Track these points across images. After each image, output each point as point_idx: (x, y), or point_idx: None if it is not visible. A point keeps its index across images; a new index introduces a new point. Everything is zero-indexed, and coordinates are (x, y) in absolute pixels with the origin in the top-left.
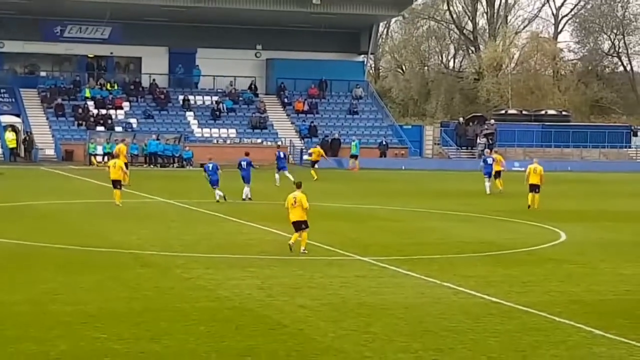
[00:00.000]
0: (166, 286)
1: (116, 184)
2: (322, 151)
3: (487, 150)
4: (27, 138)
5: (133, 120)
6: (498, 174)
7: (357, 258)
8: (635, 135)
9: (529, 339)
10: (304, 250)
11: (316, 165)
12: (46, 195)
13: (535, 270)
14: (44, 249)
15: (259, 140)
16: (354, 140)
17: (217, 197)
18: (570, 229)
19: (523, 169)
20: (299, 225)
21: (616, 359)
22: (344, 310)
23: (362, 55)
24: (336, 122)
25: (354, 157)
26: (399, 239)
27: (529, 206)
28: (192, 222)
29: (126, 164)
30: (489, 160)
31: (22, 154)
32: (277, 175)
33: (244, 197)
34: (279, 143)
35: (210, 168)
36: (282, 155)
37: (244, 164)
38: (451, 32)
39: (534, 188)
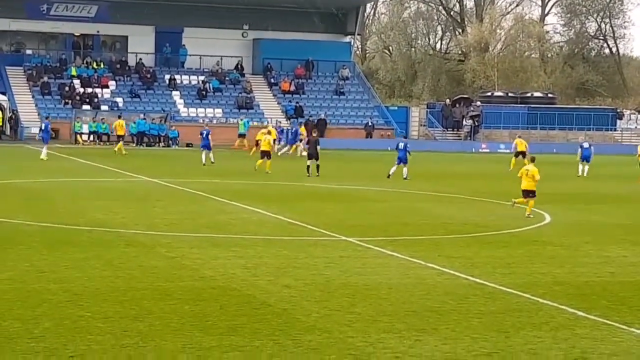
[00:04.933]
0: (150, 265)
1: (265, 154)
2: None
3: (581, 137)
4: (13, 116)
5: (119, 100)
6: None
7: (341, 238)
8: (621, 118)
9: (512, 319)
10: (529, 215)
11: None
12: (31, 174)
13: (519, 251)
14: (28, 227)
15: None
16: (242, 120)
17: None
18: (555, 211)
19: (508, 150)
20: (527, 194)
21: (598, 341)
22: (328, 291)
23: (349, 36)
24: (322, 102)
25: (242, 136)
26: (383, 220)
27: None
28: (177, 201)
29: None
30: (585, 145)
31: (8, 132)
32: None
33: (404, 176)
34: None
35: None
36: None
37: (401, 145)
38: (439, 13)
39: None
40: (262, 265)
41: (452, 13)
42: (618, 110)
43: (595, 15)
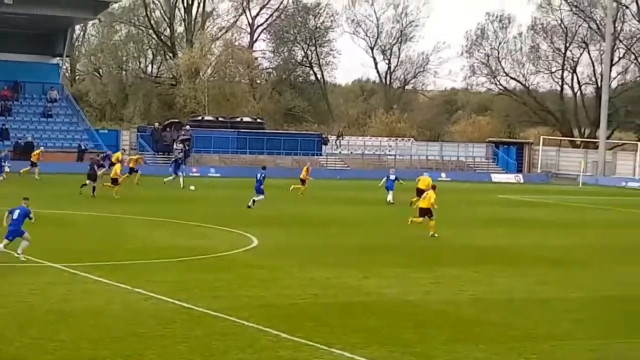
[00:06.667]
0: None
1: (113, 181)
2: None
3: (392, 168)
4: None
5: None
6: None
7: (48, 264)
8: (326, 143)
9: (218, 343)
10: (433, 234)
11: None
12: None
13: (227, 275)
14: None
15: None
16: None
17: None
18: (262, 234)
19: (219, 174)
20: (424, 212)
21: None
22: (31, 318)
23: (58, 58)
24: (30, 125)
25: None
26: (93, 245)
27: (411, 203)
28: None
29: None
30: (392, 177)
31: None
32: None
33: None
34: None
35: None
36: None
37: (258, 175)
38: (149, 37)
39: (421, 192)
40: None
41: (162, 37)
42: (323, 136)
43: (302, 43)
